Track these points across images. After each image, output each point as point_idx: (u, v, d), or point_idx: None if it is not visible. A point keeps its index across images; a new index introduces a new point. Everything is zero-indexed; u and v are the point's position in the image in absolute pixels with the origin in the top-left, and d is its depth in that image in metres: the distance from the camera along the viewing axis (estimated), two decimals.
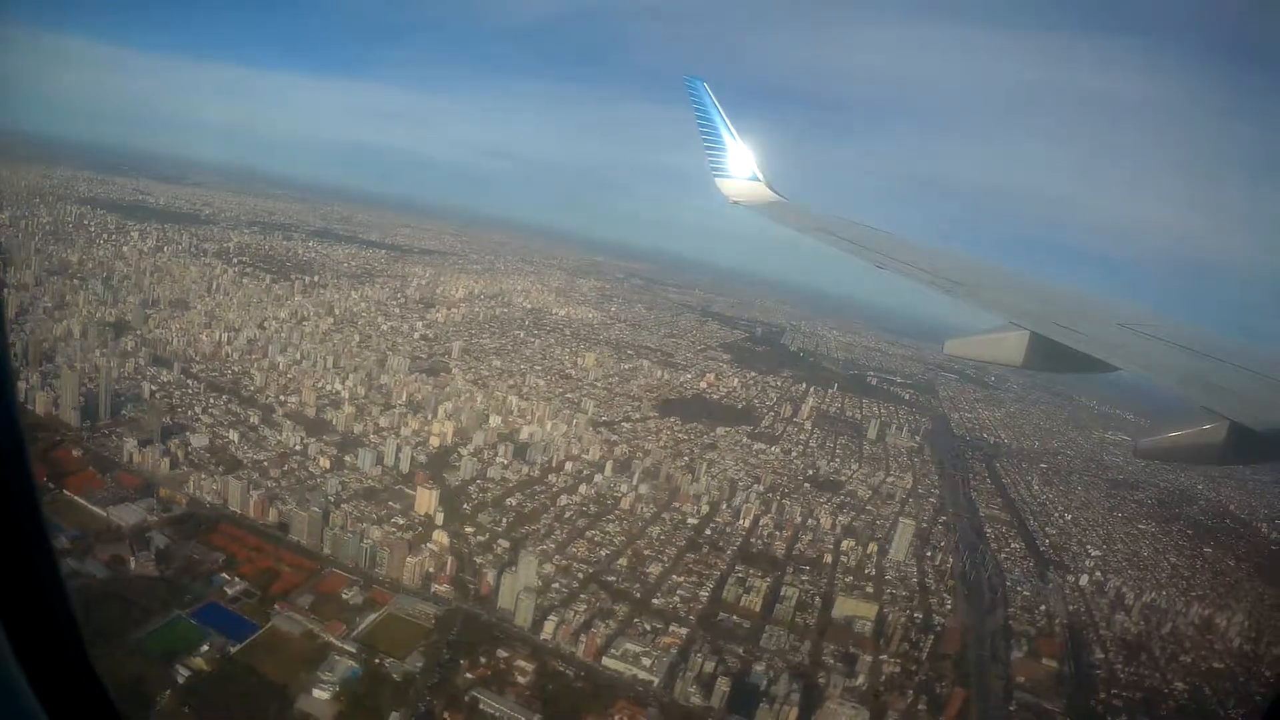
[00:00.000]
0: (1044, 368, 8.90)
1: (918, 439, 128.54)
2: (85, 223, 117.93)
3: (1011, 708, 57.74)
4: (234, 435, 67.54)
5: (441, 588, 53.11)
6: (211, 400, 73.73)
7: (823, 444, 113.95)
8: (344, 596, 50.50)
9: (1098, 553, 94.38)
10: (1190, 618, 77.90)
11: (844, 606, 64.35)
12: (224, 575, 50.53)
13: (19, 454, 3.51)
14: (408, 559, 53.37)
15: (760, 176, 18.42)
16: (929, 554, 79.77)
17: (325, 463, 66.36)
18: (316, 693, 41.82)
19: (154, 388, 72.82)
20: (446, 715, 41.68)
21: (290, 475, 63.76)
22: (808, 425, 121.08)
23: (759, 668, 52.96)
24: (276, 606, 48.30)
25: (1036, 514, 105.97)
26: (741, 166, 18.27)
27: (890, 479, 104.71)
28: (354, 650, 45.69)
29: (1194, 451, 6.53)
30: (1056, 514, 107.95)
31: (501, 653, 47.64)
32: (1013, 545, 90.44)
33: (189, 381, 76.29)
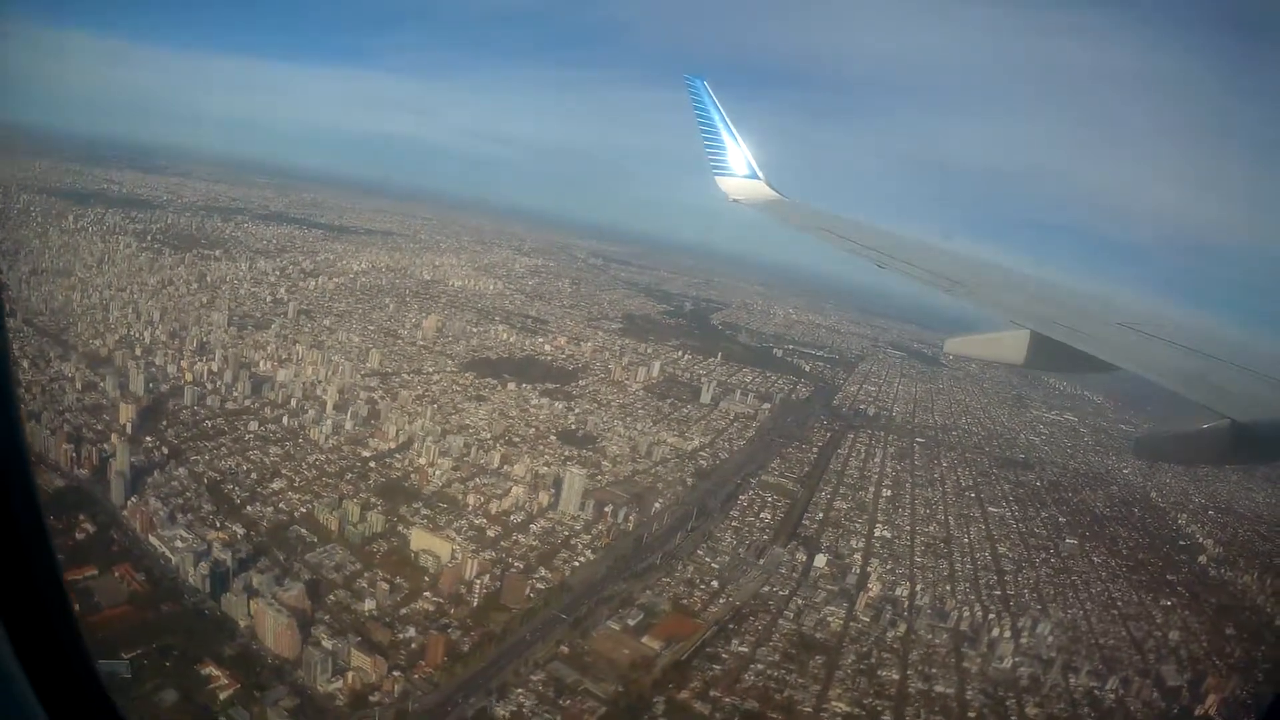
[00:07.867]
0: (1045, 367, 9.45)
1: (764, 406, 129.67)
2: (30, 209, 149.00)
3: (538, 676, 53.19)
4: (25, 364, 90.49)
5: (84, 472, 72.07)
6: (30, 341, 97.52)
7: (629, 405, 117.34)
8: None
9: (887, 534, 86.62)
10: (952, 622, 67.25)
11: (420, 540, 66.82)
12: None
13: (19, 454, 3.69)
14: (64, 447, 72.80)
15: (759, 175, 19.55)
16: (620, 510, 78.39)
17: (79, 385, 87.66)
18: None
19: None
20: None
21: (46, 393, 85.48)
22: (633, 387, 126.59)
23: (273, 572, 60.43)
24: None
25: (846, 487, 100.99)
26: (741, 164, 19.45)
27: (673, 440, 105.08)
28: None
29: (1193, 451, 7.15)
30: (873, 489, 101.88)
31: (80, 517, 65.03)
32: (762, 515, 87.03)
33: (24, 328, 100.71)
